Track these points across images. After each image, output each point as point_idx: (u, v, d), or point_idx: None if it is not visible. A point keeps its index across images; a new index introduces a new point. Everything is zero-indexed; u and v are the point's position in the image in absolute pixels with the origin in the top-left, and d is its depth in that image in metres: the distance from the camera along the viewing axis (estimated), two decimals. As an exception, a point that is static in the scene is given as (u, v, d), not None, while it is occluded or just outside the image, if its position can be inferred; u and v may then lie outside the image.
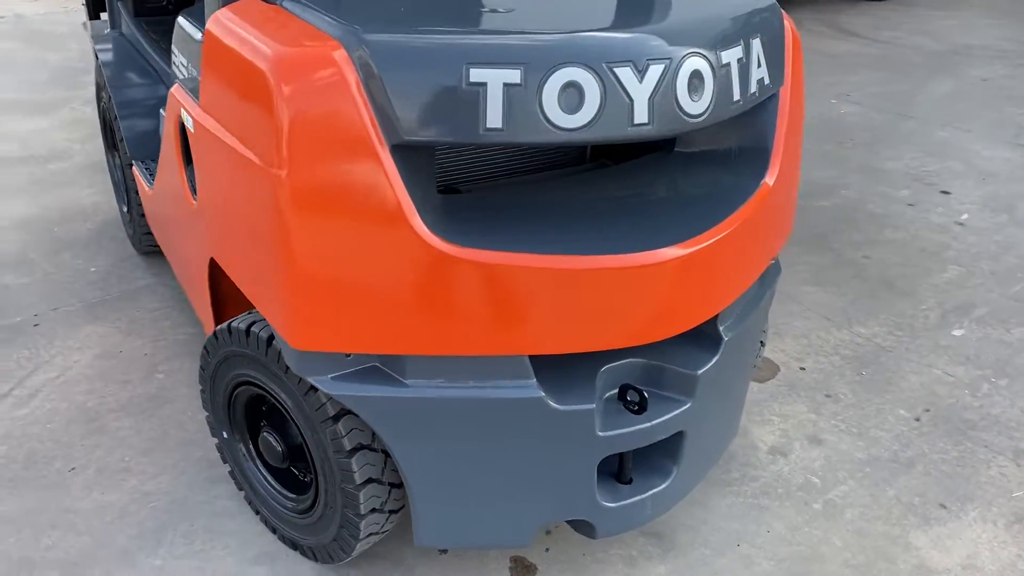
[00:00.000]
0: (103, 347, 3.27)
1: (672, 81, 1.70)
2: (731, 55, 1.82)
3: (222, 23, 1.94)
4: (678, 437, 2.09)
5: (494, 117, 1.65)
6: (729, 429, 2.37)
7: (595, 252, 1.78)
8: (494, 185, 2.12)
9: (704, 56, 1.75)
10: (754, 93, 1.92)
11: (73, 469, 2.66)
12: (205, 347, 2.30)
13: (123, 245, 4.03)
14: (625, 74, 1.67)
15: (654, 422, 1.99)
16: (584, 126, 1.67)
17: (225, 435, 2.41)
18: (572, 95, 1.65)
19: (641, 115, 1.69)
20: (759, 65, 1.93)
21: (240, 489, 2.47)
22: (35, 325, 3.42)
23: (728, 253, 1.97)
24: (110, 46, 3.79)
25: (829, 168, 5.15)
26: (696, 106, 1.76)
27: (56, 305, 3.56)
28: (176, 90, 2.30)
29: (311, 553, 2.28)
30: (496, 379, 1.86)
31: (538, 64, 1.64)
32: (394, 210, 1.68)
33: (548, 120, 1.66)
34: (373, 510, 2.08)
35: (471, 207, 1.95)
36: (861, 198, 4.74)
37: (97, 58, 3.80)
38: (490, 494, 2.01)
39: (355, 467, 2.00)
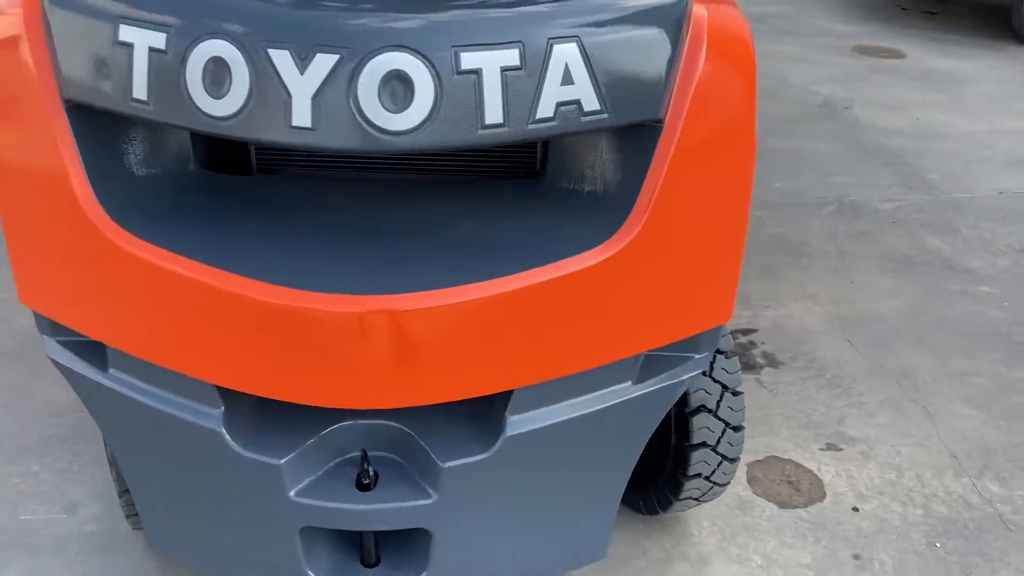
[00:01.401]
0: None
1: (351, 80, 1.26)
2: (485, 60, 1.30)
3: None
4: (424, 536, 1.64)
5: (139, 87, 1.36)
6: (557, 551, 1.82)
7: (283, 282, 1.42)
8: (325, 182, 1.77)
9: (419, 54, 1.27)
10: (549, 119, 1.36)
11: (61, 361, 2.85)
12: None
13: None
14: (282, 60, 1.27)
15: (369, 506, 1.58)
16: (232, 116, 1.32)
17: None
18: (219, 76, 1.30)
19: (302, 117, 1.29)
20: (568, 82, 1.36)
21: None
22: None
23: (499, 321, 1.47)
24: None
25: None
26: (397, 120, 1.29)
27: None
28: None
29: None
30: (184, 397, 1.60)
31: (181, 31, 1.31)
32: (59, 177, 1.48)
33: (193, 102, 1.33)
34: (126, 491, 1.93)
35: (225, 195, 1.65)
36: None
37: None
38: (198, 518, 1.75)
39: (108, 442, 1.87)
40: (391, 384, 1.48)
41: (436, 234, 1.59)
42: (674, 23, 1.45)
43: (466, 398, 1.54)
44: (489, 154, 1.72)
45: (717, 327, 1.76)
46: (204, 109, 1.32)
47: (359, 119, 1.28)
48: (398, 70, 1.27)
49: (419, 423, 1.62)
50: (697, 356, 1.77)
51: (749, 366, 2.95)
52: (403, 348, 1.44)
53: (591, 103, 1.39)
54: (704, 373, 1.99)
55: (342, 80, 1.26)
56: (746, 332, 3.13)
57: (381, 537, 1.72)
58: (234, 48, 1.28)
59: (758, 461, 2.54)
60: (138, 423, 1.67)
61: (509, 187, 1.72)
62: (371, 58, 1.26)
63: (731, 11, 1.57)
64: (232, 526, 1.70)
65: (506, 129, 1.35)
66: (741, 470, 2.50)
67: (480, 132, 1.33)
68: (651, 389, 1.71)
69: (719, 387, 2.01)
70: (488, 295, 1.43)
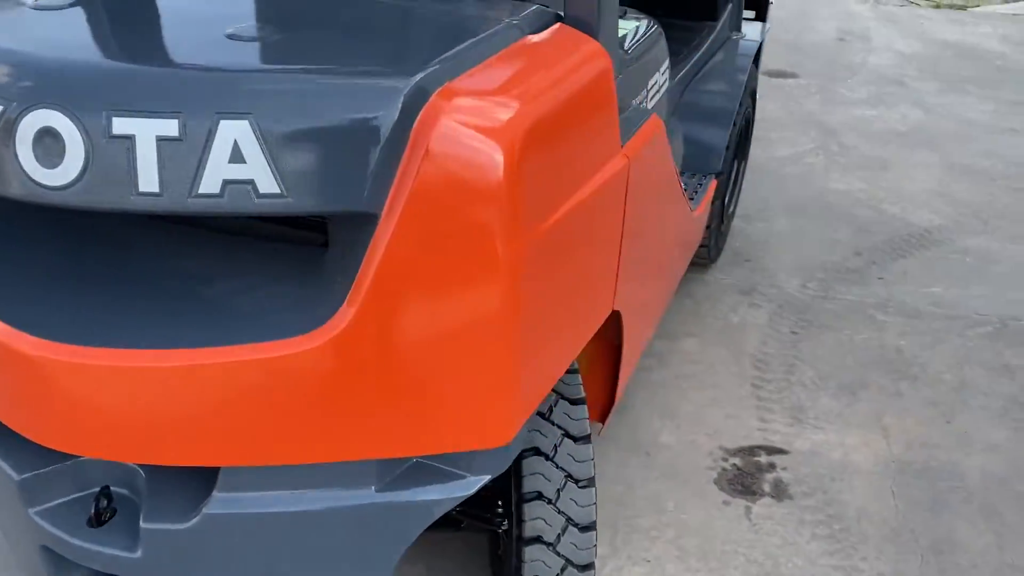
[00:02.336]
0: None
1: (11, 132, 1.30)
2: (139, 127, 1.27)
3: None
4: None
5: None
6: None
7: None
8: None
9: (72, 114, 1.27)
10: (216, 195, 1.30)
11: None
12: None
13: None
14: None
15: (83, 544, 1.61)
16: None
17: None
18: None
19: None
20: (239, 160, 1.28)
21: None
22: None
23: (184, 393, 1.43)
24: None
25: None
26: (51, 175, 1.31)
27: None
28: None
29: None
30: None
31: None
32: None
33: None
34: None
35: (33, 225, 1.74)
36: None
37: None
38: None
39: None
40: (78, 432, 1.49)
41: (186, 291, 1.57)
42: (385, 115, 1.31)
43: (164, 464, 1.53)
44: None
45: (495, 449, 1.57)
46: None
47: (18, 170, 1.31)
48: (50, 127, 1.28)
49: (161, 474, 1.62)
50: (470, 477, 1.59)
51: (749, 491, 2.57)
52: (84, 400, 1.45)
53: (268, 185, 1.31)
54: (547, 501, 1.79)
55: (5, 131, 1.30)
56: (771, 451, 2.73)
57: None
58: None
59: (679, 602, 2.22)
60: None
61: (301, 254, 1.66)
62: (28, 112, 1.29)
63: (498, 105, 1.38)
64: (7, 527, 1.81)
65: (163, 199, 1.31)
66: (654, 606, 2.20)
67: (134, 198, 1.31)
68: (397, 501, 1.57)
69: (563, 519, 1.79)
70: (163, 365, 1.40)
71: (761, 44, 3.86)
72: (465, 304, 1.41)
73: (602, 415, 2.36)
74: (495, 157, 1.35)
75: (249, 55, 1.44)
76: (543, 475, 1.80)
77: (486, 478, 1.60)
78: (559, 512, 1.79)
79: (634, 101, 2.12)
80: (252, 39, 1.47)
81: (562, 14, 1.72)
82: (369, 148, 1.32)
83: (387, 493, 1.57)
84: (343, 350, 1.40)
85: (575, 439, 1.85)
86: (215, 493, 1.53)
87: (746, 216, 4.22)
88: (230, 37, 1.46)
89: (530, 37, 1.61)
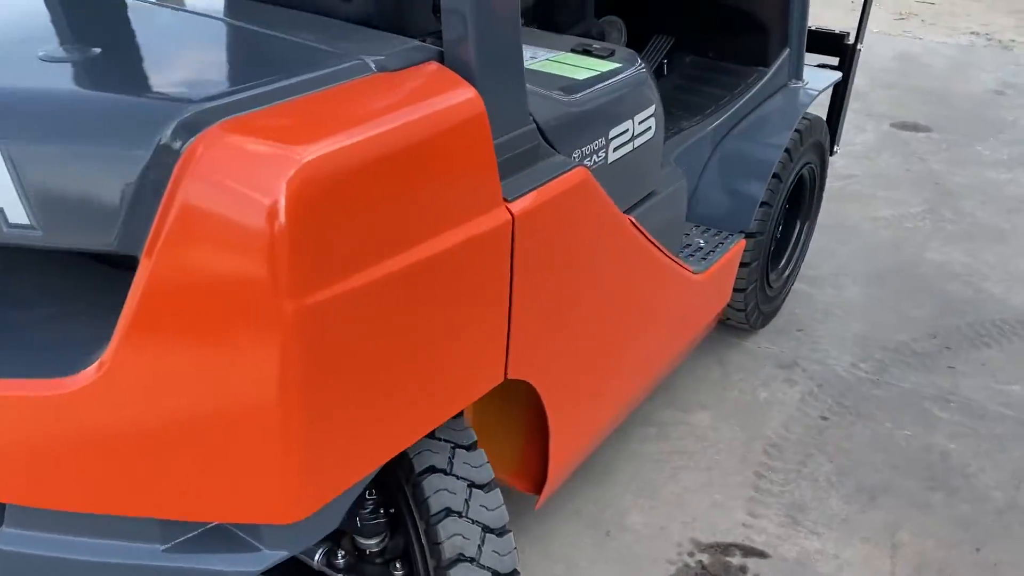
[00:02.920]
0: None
1: None
2: None
3: None
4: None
5: None
6: None
7: None
8: None
9: None
10: None
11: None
12: None
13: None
14: None
15: None
16: None
17: None
18: None
19: None
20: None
21: None
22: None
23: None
24: None
25: None
26: None
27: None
28: None
29: None
30: None
31: None
32: None
33: None
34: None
35: None
36: None
37: None
38: None
39: None
40: None
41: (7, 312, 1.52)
42: (143, 146, 1.21)
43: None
44: None
45: (296, 524, 1.42)
46: None
47: None
48: None
49: None
50: (264, 551, 1.45)
51: (706, 596, 2.28)
52: None
53: (17, 215, 1.23)
54: (459, 515, 1.69)
55: None
56: (749, 552, 2.41)
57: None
58: None
59: None
60: None
61: None
62: None
63: (289, 144, 1.23)
64: None
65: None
66: None
67: None
68: (181, 566, 1.45)
69: (478, 529, 1.71)
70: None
71: (843, 91, 3.50)
72: (231, 370, 1.27)
73: (536, 487, 2.16)
74: (270, 202, 1.20)
75: (28, 76, 1.36)
76: (447, 490, 1.71)
77: (281, 554, 1.46)
78: (473, 523, 1.71)
79: (576, 153, 1.91)
80: (58, 60, 1.38)
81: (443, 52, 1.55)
82: (124, 183, 1.21)
83: (173, 555, 1.45)
84: (89, 402, 1.29)
85: (466, 448, 1.77)
86: (2, 528, 1.46)
87: (815, 279, 3.84)
88: (42, 59, 1.39)
89: (380, 75, 1.45)
